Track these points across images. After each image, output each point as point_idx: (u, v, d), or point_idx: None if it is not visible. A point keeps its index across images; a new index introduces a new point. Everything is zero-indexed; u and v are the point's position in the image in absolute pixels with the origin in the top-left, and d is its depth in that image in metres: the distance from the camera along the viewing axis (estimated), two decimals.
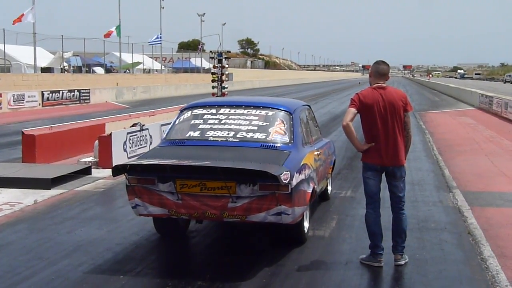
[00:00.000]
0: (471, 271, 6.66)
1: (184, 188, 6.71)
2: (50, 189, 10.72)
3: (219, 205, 6.68)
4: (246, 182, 6.56)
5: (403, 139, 6.67)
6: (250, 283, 6.17)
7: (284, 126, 7.52)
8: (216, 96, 22.87)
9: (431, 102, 44.37)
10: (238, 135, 7.37)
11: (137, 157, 7.41)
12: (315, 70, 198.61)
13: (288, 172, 6.56)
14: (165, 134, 7.94)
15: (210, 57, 24.50)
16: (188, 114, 7.96)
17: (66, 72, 46.19)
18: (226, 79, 23.11)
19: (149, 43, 59.03)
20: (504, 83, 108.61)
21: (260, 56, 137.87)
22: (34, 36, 41.87)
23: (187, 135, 7.56)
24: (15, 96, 31.55)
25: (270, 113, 7.72)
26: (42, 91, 33.80)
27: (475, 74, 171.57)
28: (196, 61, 72.78)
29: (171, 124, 8.03)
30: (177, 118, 8.01)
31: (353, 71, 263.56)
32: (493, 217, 9.05)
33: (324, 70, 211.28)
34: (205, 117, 7.74)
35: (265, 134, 7.40)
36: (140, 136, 14.24)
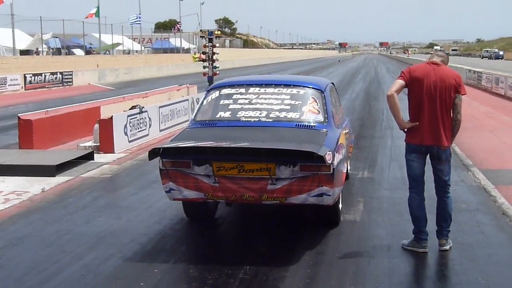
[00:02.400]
0: None
1: (221, 170, 6.41)
2: (55, 176, 10.26)
3: (258, 188, 6.42)
4: (286, 163, 6.31)
5: (450, 121, 6.32)
6: (294, 274, 5.81)
7: (317, 105, 7.28)
8: (208, 76, 22.37)
9: None
10: (271, 115, 7.09)
11: (170, 139, 6.97)
12: (292, 48, 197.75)
13: (331, 152, 6.31)
14: (193, 115, 7.60)
15: (201, 37, 23.81)
16: (216, 94, 7.62)
17: (43, 54, 45.18)
18: (217, 59, 22.53)
19: (130, 23, 57.98)
20: (482, 58, 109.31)
21: (238, 35, 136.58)
22: (12, 17, 40.72)
23: (218, 115, 7.26)
24: None
25: (302, 91, 7.45)
26: (24, 74, 32.92)
27: (452, 50, 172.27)
28: (176, 41, 71.77)
29: (199, 104, 7.71)
30: (204, 99, 7.69)
31: (329, 49, 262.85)
32: None
33: (302, 49, 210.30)
34: (234, 97, 7.43)
35: (299, 113, 7.14)
36: (140, 119, 13.76)
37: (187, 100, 17.39)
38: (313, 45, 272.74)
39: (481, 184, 9.48)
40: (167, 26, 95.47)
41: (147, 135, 14.08)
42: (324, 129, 6.96)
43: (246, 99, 7.35)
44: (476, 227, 7.31)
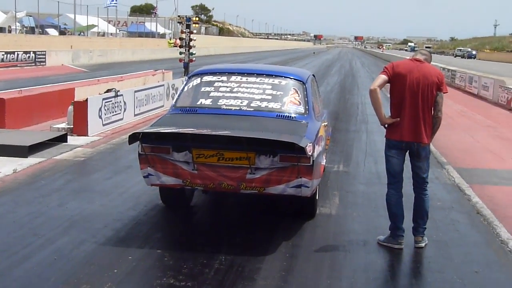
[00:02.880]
0: (496, 254, 6.41)
1: (200, 158, 6.37)
2: (27, 157, 10.07)
3: (236, 176, 6.38)
4: (266, 153, 6.29)
5: (431, 119, 6.32)
6: (270, 266, 5.76)
7: (299, 96, 7.26)
8: (184, 62, 22.24)
9: None
10: (252, 104, 7.06)
11: (150, 124, 6.98)
12: (268, 38, 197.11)
13: (311, 144, 6.31)
14: (173, 101, 7.51)
15: (178, 22, 23.62)
16: (197, 80, 7.55)
17: (16, 32, 44.48)
18: (194, 45, 22.40)
19: (106, 6, 57.32)
20: (455, 57, 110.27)
21: (214, 23, 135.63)
22: None
23: (198, 102, 7.19)
24: None
25: (283, 82, 7.42)
26: None
27: (426, 47, 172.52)
28: (152, 26, 71.16)
29: (180, 90, 7.62)
30: (185, 85, 7.60)
31: (304, 40, 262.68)
32: (495, 195, 8.86)
33: (277, 39, 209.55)
34: (215, 84, 7.37)
35: (280, 104, 7.12)
36: (115, 103, 13.58)
37: (163, 85, 17.20)
38: (288, 36, 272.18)
39: (455, 183, 9.54)
40: (143, 10, 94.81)
41: (122, 119, 13.91)
42: (304, 121, 6.94)
43: (227, 87, 7.29)
44: (451, 225, 7.34)
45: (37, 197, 7.87)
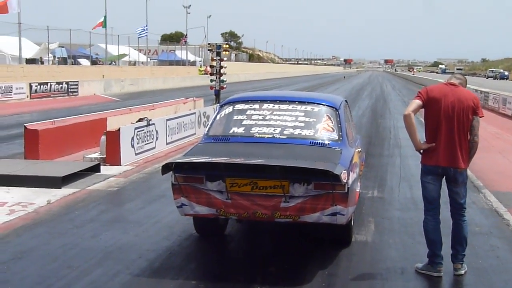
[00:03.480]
0: None
1: (234, 187, 6.34)
2: (61, 188, 10.13)
3: (271, 205, 6.33)
4: (300, 181, 6.23)
5: (467, 143, 6.21)
6: None
7: (332, 123, 7.23)
8: (215, 89, 22.27)
9: None
10: (285, 132, 7.04)
11: (182, 154, 7.06)
12: (297, 63, 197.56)
13: (346, 171, 6.21)
14: (206, 130, 7.54)
15: (208, 50, 23.69)
16: (229, 109, 7.56)
17: (49, 63, 45.19)
18: (225, 72, 22.43)
19: (138, 36, 58.02)
20: (487, 78, 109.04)
21: (244, 49, 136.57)
22: (19, 26, 40.70)
23: (231, 131, 7.20)
24: (3, 88, 30.67)
25: (316, 108, 7.40)
26: (30, 83, 32.87)
27: (457, 69, 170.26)
28: (182, 53, 71.79)
29: (212, 119, 7.66)
30: (217, 113, 7.62)
31: (334, 65, 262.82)
32: None
33: (307, 64, 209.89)
34: (248, 112, 7.38)
35: (313, 131, 7.08)
36: (147, 132, 13.65)
37: (194, 113, 17.30)
38: (318, 61, 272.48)
39: (493, 207, 9.35)
40: (173, 38, 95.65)
41: (154, 148, 13.97)
42: (338, 148, 6.89)
43: (260, 115, 7.30)
44: (491, 251, 7.16)
45: (71, 228, 7.88)
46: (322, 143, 6.94)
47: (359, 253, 6.99)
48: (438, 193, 6.31)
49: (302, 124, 7.13)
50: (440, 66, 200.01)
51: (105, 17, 51.22)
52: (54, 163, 11.92)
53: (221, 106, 7.76)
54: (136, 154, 12.99)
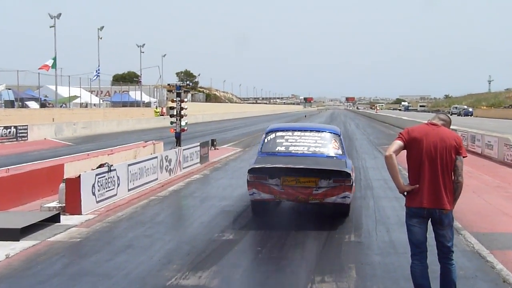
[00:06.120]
0: None
1: (285, 182, 10.67)
2: (19, 240, 9.56)
3: (307, 192, 10.65)
4: (325, 177, 10.56)
5: (452, 183, 6.05)
6: None
7: (337, 144, 11.83)
8: (176, 132, 21.53)
9: (388, 136, 40.71)
10: (310, 149, 11.60)
11: (255, 161, 11.31)
12: (256, 103, 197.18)
13: (351, 171, 10.85)
14: (259, 148, 11.88)
15: (168, 91, 23.16)
16: (273, 135, 12.06)
17: None
18: (186, 114, 21.84)
19: (91, 79, 57.02)
20: (451, 115, 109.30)
21: (200, 89, 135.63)
22: None
23: (276, 149, 11.69)
24: None
25: (327, 135, 12.08)
26: None
27: (420, 106, 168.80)
28: (136, 94, 70.43)
29: (262, 141, 11.99)
30: (265, 137, 12.03)
31: (294, 103, 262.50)
32: None
33: (266, 103, 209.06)
34: (285, 137, 11.94)
35: (326, 149, 11.67)
36: (108, 178, 13.15)
37: (156, 157, 16.61)
38: (277, 100, 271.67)
39: (474, 249, 9.16)
40: (126, 79, 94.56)
41: (115, 195, 13.42)
42: (343, 159, 11.37)
43: (293, 139, 11.83)
44: None
45: (34, 284, 7.39)
46: (333, 156, 11.45)
47: None
48: (424, 237, 6.13)
49: (320, 145, 11.72)
50: (403, 103, 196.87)
51: (54, 58, 50.21)
52: (10, 214, 11.33)
53: (266, 133, 12.15)
54: (97, 202, 12.47)
